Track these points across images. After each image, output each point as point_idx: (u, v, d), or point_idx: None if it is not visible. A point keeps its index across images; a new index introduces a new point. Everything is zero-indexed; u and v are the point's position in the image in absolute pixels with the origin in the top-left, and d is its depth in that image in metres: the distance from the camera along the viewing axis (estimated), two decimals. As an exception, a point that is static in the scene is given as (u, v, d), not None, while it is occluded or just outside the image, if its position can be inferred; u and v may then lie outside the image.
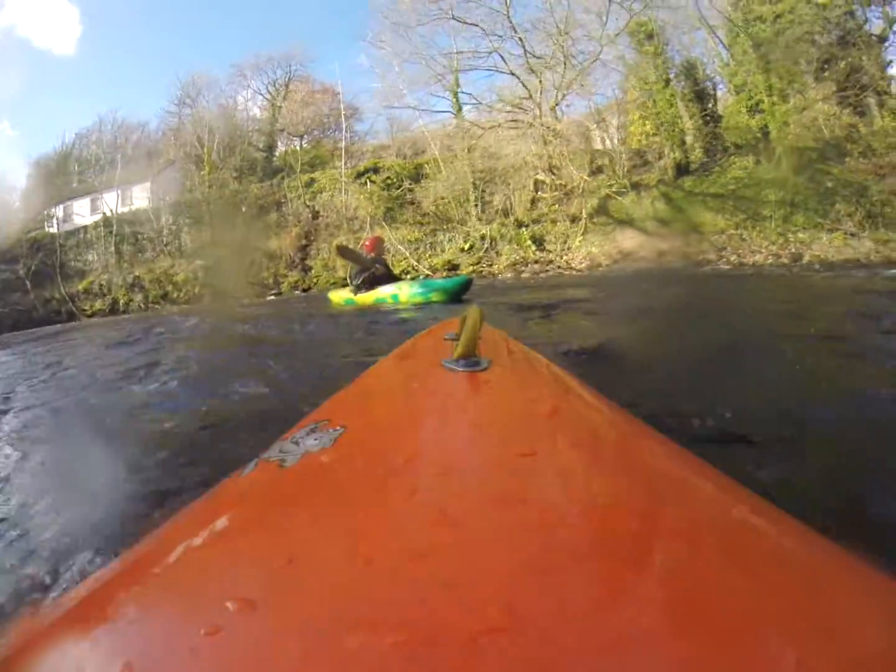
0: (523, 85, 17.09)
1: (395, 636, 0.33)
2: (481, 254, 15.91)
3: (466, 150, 17.54)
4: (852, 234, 14.01)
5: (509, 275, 14.78)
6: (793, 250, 13.89)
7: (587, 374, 1.13)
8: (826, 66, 15.77)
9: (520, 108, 17.24)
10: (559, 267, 14.52)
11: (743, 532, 0.47)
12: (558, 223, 15.59)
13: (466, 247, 16.25)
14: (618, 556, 0.40)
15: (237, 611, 0.38)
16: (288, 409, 1.98)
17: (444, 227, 17.59)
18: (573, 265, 14.44)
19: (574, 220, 15.29)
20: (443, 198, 18.12)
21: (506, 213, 16.66)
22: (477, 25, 17.85)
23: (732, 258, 13.75)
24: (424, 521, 0.45)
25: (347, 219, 19.84)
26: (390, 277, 7.97)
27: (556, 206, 15.95)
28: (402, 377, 1.01)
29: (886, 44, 16.17)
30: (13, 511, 1.42)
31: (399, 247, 17.44)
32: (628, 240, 14.19)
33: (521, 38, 17.10)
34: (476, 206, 17.09)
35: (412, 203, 19.25)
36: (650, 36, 15.76)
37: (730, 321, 3.87)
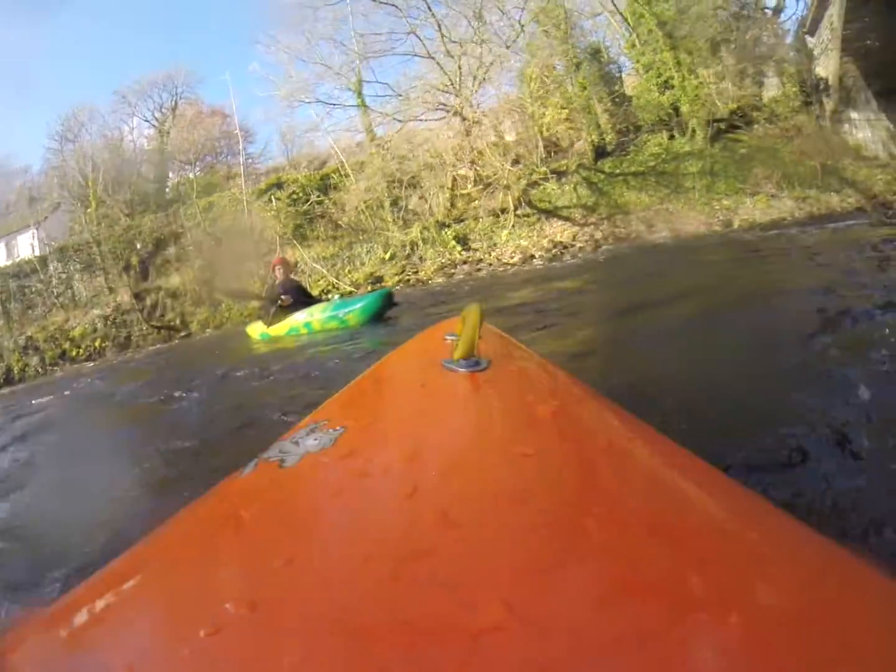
0: (443, 69, 15.99)
1: (394, 636, 0.34)
2: (404, 262, 15.12)
3: (377, 149, 16.67)
4: (773, 196, 14.88)
5: (439, 279, 13.95)
6: (721, 217, 14.33)
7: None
8: (728, 40, 16.39)
9: (442, 92, 16.23)
10: (490, 264, 14.03)
11: (743, 532, 0.48)
12: (481, 219, 15.09)
13: (387, 256, 15.44)
14: (617, 555, 0.40)
15: (237, 610, 0.39)
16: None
17: (361, 238, 16.39)
18: (505, 260, 13.95)
19: (497, 214, 14.88)
20: (356, 207, 16.82)
21: (426, 215, 15.92)
22: (394, 5, 16.52)
23: (665, 232, 13.81)
24: (424, 521, 0.47)
25: (254, 241, 17.91)
26: (306, 301, 6.96)
27: (477, 201, 15.45)
28: (401, 377, 1.05)
29: (782, 15, 17.49)
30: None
31: (315, 265, 16.12)
32: (557, 229, 14.03)
33: (437, 21, 16.19)
34: (392, 211, 16.30)
35: (323, 216, 17.67)
36: (557, 25, 15.73)
37: (673, 297, 3.95)
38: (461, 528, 0.45)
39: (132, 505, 1.75)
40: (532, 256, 13.59)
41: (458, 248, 14.71)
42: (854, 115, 17.64)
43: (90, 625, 0.46)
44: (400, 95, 17.03)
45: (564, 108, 15.63)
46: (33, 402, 6.76)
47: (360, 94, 17.39)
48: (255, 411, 2.81)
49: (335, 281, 15.65)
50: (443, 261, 14.56)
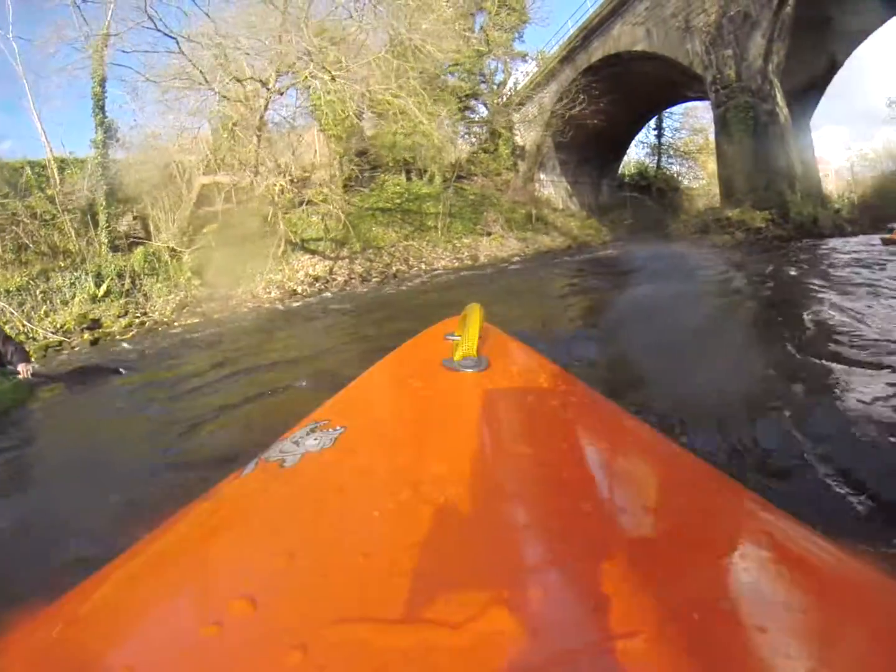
0: (192, 63, 13.07)
1: (394, 633, 0.36)
2: (125, 299, 11.50)
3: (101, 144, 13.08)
4: (502, 236, 17.90)
5: (180, 323, 10.64)
6: (467, 253, 16.12)
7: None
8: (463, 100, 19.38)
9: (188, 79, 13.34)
10: (245, 303, 12.08)
11: (742, 531, 0.51)
12: (221, 248, 12.61)
13: (101, 292, 11.40)
14: (617, 555, 0.42)
15: (238, 608, 0.41)
16: None
17: (61, 263, 11.84)
18: (261, 296, 12.37)
19: (239, 244, 12.85)
20: (53, 217, 12.40)
21: (153, 238, 13.08)
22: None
23: (423, 265, 14.64)
24: (424, 521, 0.49)
25: None
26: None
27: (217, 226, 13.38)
28: (402, 377, 1.04)
29: (506, 88, 21.71)
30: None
31: (-5, 305, 10.74)
32: (307, 262, 13.57)
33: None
34: (107, 229, 12.62)
35: (3, 230, 12.15)
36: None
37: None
38: (460, 527, 0.48)
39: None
40: (294, 292, 12.47)
41: (196, 281, 12.34)
42: (542, 176, 22.35)
43: (90, 624, 0.48)
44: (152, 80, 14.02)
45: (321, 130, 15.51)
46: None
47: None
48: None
49: (27, 325, 10.25)
50: (179, 298, 11.84)
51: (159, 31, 12.54)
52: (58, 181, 13.15)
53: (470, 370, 0.84)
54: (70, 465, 2.40)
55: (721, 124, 14.66)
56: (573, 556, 0.43)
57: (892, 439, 1.68)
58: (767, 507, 0.56)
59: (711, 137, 31.12)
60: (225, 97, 13.06)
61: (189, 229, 13.15)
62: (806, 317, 3.42)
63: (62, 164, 13.69)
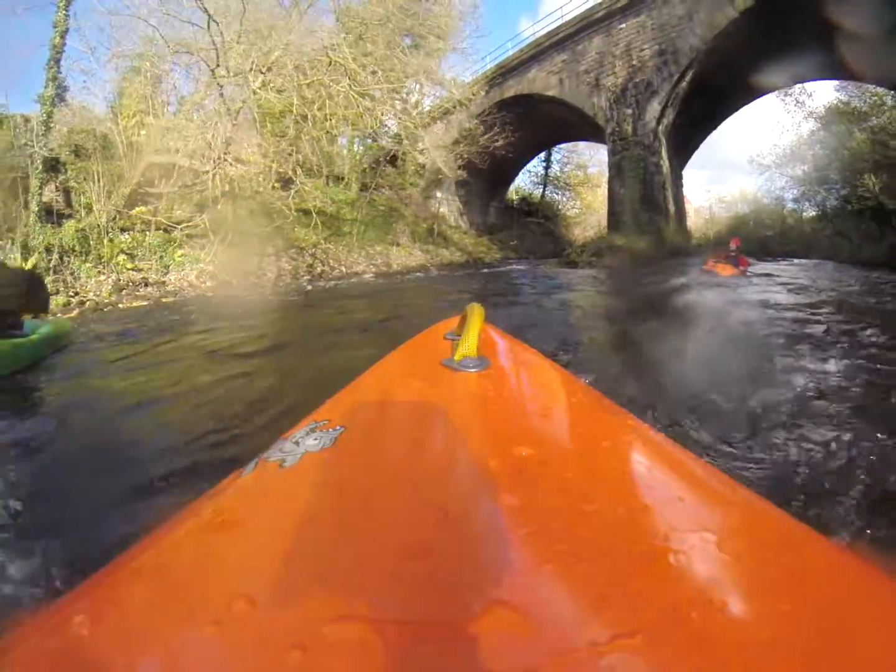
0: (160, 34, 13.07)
1: (394, 634, 0.38)
2: (53, 277, 10.74)
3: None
4: (409, 247, 19.72)
5: (124, 305, 10.28)
6: (380, 261, 17.61)
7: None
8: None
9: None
10: (182, 290, 12.23)
11: (741, 531, 0.52)
12: (148, 234, 12.70)
13: (28, 265, 10.17)
14: (618, 554, 0.45)
15: (238, 608, 0.43)
16: None
17: None
18: (195, 283, 12.56)
19: (167, 229, 12.95)
20: None
21: (80, 213, 12.37)
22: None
23: (343, 268, 15.95)
24: (424, 521, 0.51)
25: None
26: None
27: (157, 207, 13.04)
28: (401, 377, 1.08)
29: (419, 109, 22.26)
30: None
31: None
32: (238, 256, 13.88)
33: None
34: (39, 196, 11.45)
35: None
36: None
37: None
38: (461, 527, 0.49)
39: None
40: (230, 283, 12.83)
41: (128, 264, 11.94)
42: (438, 193, 24.28)
43: (90, 624, 0.49)
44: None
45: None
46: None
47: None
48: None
49: None
50: (112, 280, 11.53)
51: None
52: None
53: (470, 370, 0.88)
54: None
55: (616, 170, 17.74)
56: (573, 555, 0.44)
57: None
58: (768, 507, 0.58)
59: (591, 171, 36.22)
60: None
61: (124, 209, 12.80)
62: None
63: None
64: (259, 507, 0.63)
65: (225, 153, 12.98)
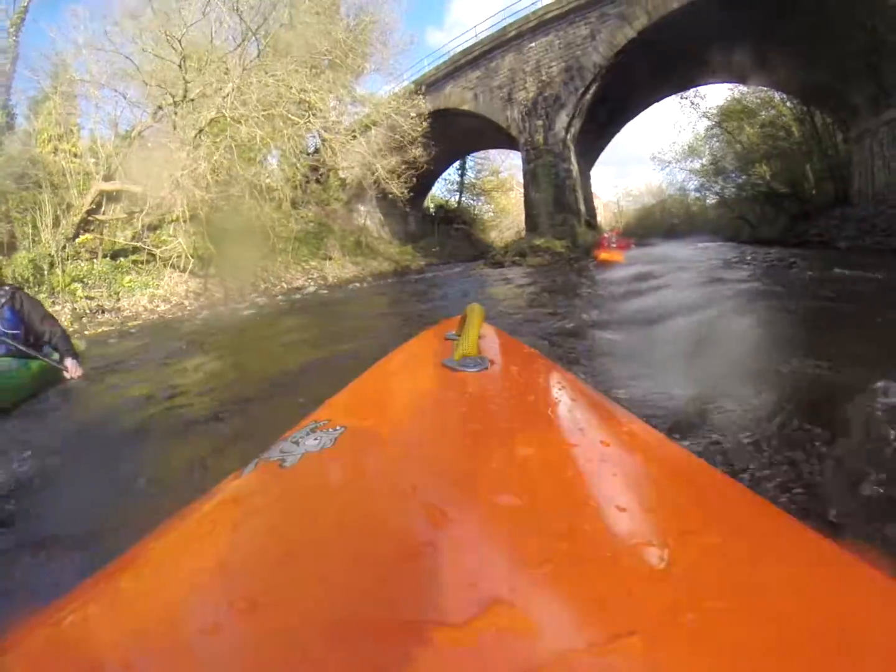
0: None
1: (393, 635, 0.39)
2: None
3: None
4: (341, 260, 21.05)
5: (91, 332, 10.28)
6: (316, 275, 18.71)
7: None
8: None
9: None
10: (139, 315, 12.67)
11: (740, 532, 0.53)
12: (95, 261, 13.13)
13: None
14: (618, 554, 0.45)
15: (238, 608, 0.44)
16: None
17: None
18: (153, 309, 13.13)
19: (113, 256, 13.52)
20: None
21: (27, 243, 12.67)
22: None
23: (283, 284, 17.01)
24: (424, 521, 0.51)
25: None
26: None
27: (100, 233, 13.49)
28: (402, 377, 1.11)
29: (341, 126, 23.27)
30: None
31: None
32: (178, 279, 14.54)
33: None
34: None
35: None
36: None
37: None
38: (461, 528, 0.49)
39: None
40: (183, 305, 13.56)
41: (81, 293, 12.28)
42: (361, 207, 25.54)
43: (90, 625, 0.50)
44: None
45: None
46: None
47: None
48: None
49: None
50: (69, 308, 11.82)
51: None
52: None
53: (470, 370, 0.90)
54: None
55: (531, 176, 19.90)
56: (573, 555, 0.45)
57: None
58: (768, 507, 0.58)
59: (502, 176, 38.54)
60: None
61: (71, 238, 13.17)
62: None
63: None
64: (259, 507, 0.64)
65: (180, 178, 13.57)
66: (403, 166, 18.85)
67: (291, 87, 15.55)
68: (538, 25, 19.28)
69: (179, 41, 13.80)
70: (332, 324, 8.15)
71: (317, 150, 20.50)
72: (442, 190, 37.00)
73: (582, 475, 0.62)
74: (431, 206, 34.42)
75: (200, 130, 14.32)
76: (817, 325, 4.19)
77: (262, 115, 15.07)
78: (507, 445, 0.67)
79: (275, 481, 0.68)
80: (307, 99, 16.33)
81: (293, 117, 15.75)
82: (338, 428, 0.78)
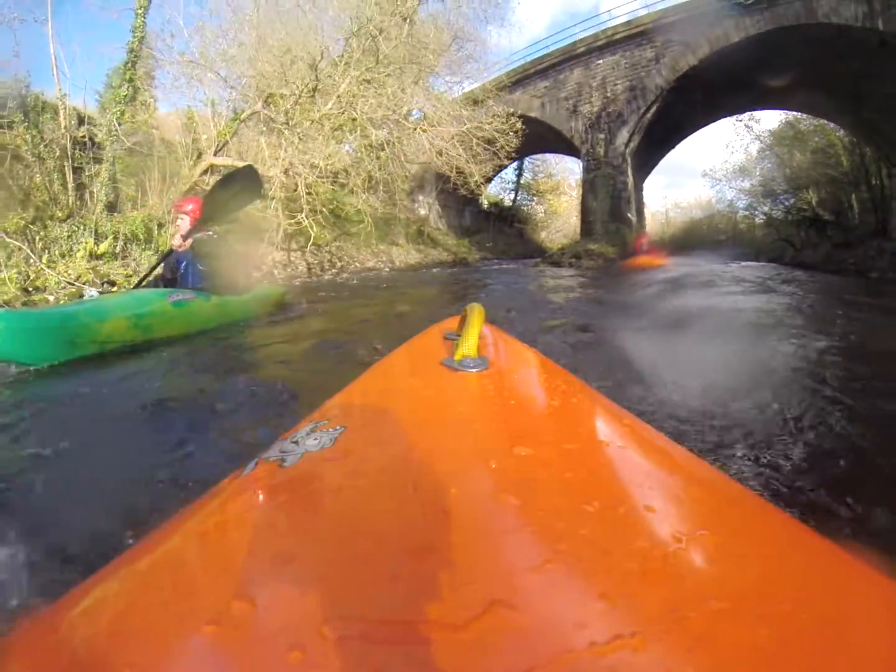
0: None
1: (394, 633, 0.39)
2: (119, 262, 11.04)
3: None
4: (405, 247, 22.82)
5: None
6: (385, 259, 20.63)
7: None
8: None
9: None
10: (266, 277, 13.84)
11: (740, 531, 0.54)
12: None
13: (100, 250, 10.82)
14: (619, 555, 0.46)
15: (238, 608, 0.44)
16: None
17: (59, 214, 11.01)
18: (275, 275, 14.59)
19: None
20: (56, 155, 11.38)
21: (144, 203, 13.50)
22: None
23: (357, 264, 18.96)
24: (424, 521, 0.53)
25: None
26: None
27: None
28: (402, 377, 1.13)
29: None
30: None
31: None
32: (266, 250, 15.85)
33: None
34: (107, 186, 12.26)
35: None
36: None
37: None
38: (461, 527, 0.50)
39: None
40: (272, 273, 14.87)
41: None
42: (421, 197, 27.22)
43: (90, 625, 0.51)
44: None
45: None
46: None
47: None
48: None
49: (43, 267, 9.19)
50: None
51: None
52: (70, 125, 12.87)
53: (470, 370, 0.92)
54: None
55: (589, 185, 21.80)
56: (574, 555, 0.45)
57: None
58: (768, 507, 0.60)
59: (556, 178, 40.36)
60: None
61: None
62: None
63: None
64: (259, 506, 0.65)
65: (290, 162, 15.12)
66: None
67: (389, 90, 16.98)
68: (606, 44, 21.11)
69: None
70: (423, 299, 9.36)
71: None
72: (497, 188, 38.86)
73: (582, 475, 0.62)
74: (486, 202, 36.04)
75: (312, 122, 15.79)
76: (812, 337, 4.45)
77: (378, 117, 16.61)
78: (507, 445, 0.67)
79: (274, 481, 0.69)
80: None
81: (406, 122, 17.36)
82: (338, 428, 0.79)
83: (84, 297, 4.33)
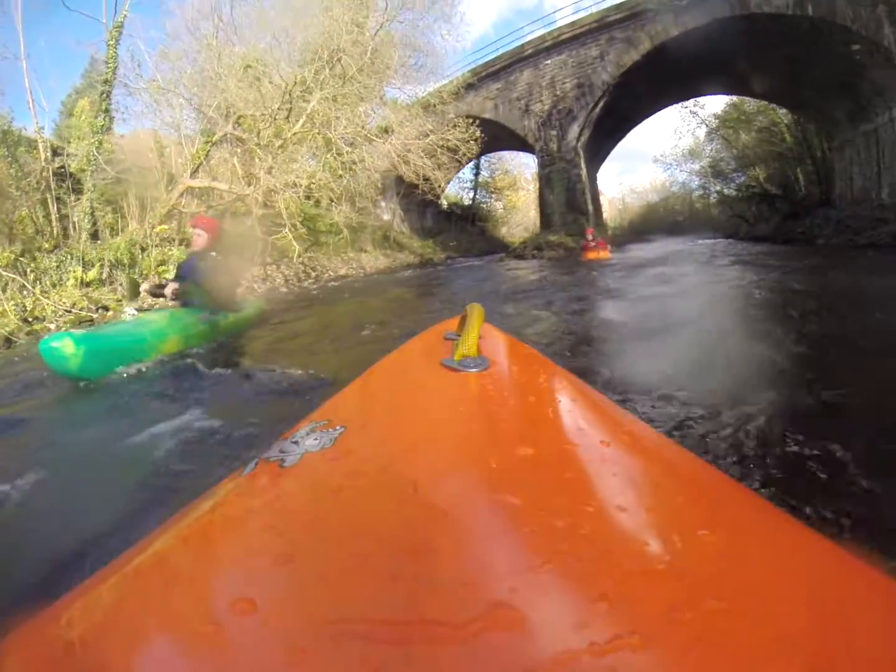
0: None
1: (394, 635, 0.39)
2: (107, 287, 11.60)
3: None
4: (373, 252, 23.51)
5: None
6: (355, 265, 21.33)
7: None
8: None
9: None
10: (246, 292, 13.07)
11: (740, 531, 0.53)
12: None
13: (90, 277, 11.39)
14: (616, 555, 0.45)
15: (238, 608, 0.44)
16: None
17: (45, 245, 11.98)
18: (254, 289, 14.70)
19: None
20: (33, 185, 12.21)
21: (111, 230, 13.89)
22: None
23: (330, 273, 19.60)
24: (424, 521, 0.52)
25: None
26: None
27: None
28: (401, 377, 1.12)
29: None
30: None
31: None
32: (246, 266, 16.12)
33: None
34: (90, 215, 13.20)
35: None
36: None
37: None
38: (461, 528, 0.50)
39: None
40: (252, 287, 15.01)
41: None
42: (384, 203, 27.86)
43: (90, 625, 0.51)
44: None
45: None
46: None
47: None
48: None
49: (40, 297, 9.68)
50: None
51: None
52: (49, 158, 13.37)
53: (470, 370, 0.91)
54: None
55: (545, 180, 23.11)
56: (574, 555, 0.45)
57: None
58: (768, 508, 0.60)
59: (513, 174, 41.50)
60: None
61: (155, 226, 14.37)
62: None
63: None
64: (258, 506, 0.65)
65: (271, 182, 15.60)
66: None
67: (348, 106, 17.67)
68: (553, 45, 22.29)
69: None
70: (402, 297, 10.30)
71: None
72: (455, 187, 40.00)
73: (582, 475, 0.62)
74: (446, 203, 37.06)
75: (284, 140, 16.38)
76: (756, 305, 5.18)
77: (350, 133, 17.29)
78: (507, 445, 0.67)
79: (275, 481, 0.69)
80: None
81: (375, 138, 18.14)
82: (338, 428, 0.79)
83: (125, 317, 4.74)
